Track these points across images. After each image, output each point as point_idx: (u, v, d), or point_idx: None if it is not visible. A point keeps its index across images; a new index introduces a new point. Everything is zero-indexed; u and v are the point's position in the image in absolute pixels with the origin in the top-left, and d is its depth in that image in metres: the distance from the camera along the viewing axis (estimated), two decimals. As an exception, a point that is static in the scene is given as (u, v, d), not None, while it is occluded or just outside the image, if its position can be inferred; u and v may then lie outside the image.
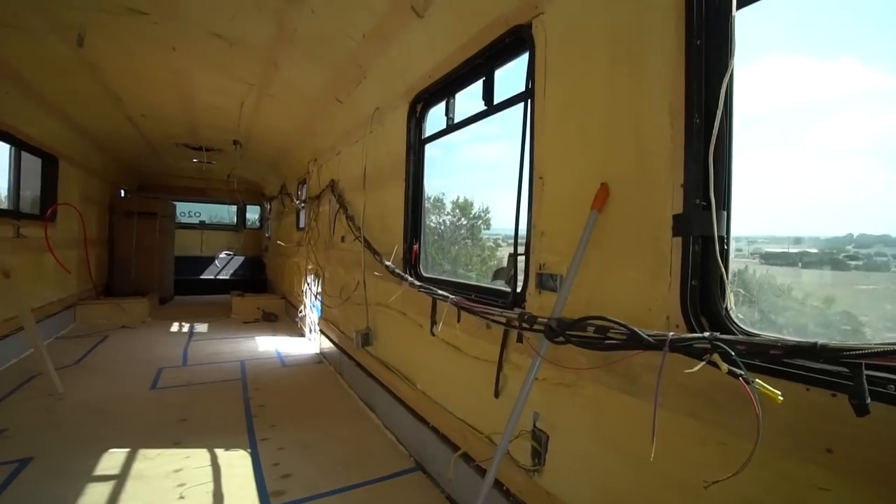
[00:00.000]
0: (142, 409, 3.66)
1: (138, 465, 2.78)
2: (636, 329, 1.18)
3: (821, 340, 0.88)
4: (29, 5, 3.19)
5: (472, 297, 2.37)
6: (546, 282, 1.87)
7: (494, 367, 2.20)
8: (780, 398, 0.93)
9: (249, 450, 3.05)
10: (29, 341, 4.23)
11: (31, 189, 5.56)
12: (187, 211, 11.18)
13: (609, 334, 1.26)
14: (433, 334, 2.45)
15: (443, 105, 2.95)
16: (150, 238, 8.36)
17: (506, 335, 2.09)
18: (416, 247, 3.13)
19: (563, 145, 1.86)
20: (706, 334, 1.05)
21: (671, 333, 1.12)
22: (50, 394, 3.84)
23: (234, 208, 11.65)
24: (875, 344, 0.82)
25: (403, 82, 3.22)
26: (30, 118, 4.92)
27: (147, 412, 3.62)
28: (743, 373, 0.98)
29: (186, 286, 10.11)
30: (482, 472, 2.27)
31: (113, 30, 3.55)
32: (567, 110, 1.84)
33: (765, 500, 1.16)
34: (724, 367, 1.00)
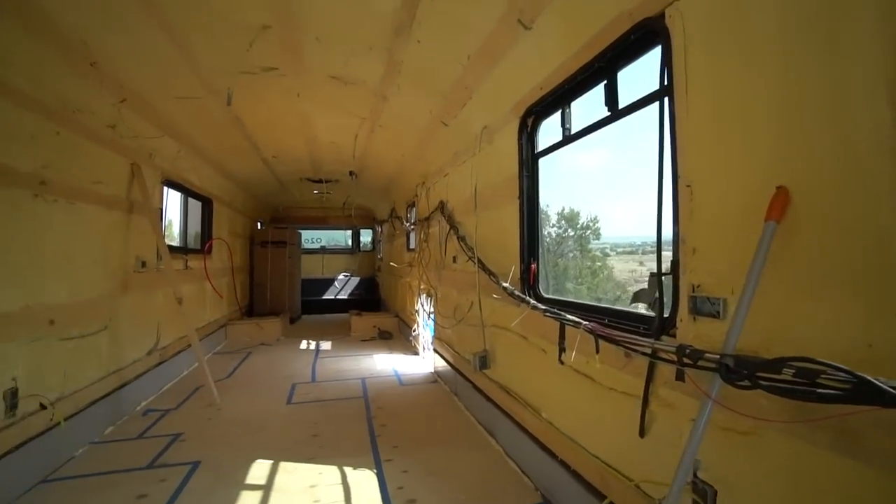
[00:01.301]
0: (281, 423, 4.00)
1: (280, 478, 3.00)
2: (868, 377, 0.90)
3: None
4: (195, 77, 3.79)
5: (606, 322, 2.14)
6: (703, 306, 1.59)
7: (635, 402, 1.94)
8: None
9: (375, 470, 3.12)
10: (195, 357, 4.93)
11: (193, 226, 6.61)
12: (310, 238, 12.40)
13: (820, 380, 0.98)
14: (561, 362, 2.27)
15: (557, 116, 2.79)
16: (281, 263, 9.39)
17: (652, 367, 1.83)
18: (534, 266, 2.98)
19: (716, 146, 1.59)
20: None
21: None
22: (210, 404, 4.40)
23: (349, 233, 12.63)
24: None
25: (512, 98, 3.13)
26: (194, 169, 5.86)
27: (285, 426, 3.94)
28: None
29: (311, 306, 11.16)
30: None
31: (252, 87, 4.06)
32: (719, 105, 1.58)
33: None
34: None
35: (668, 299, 1.81)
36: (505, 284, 2.95)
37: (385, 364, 6.09)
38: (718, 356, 1.22)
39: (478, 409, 3.90)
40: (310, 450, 3.44)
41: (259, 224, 10.54)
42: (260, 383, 5.27)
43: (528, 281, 2.99)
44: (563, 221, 10.52)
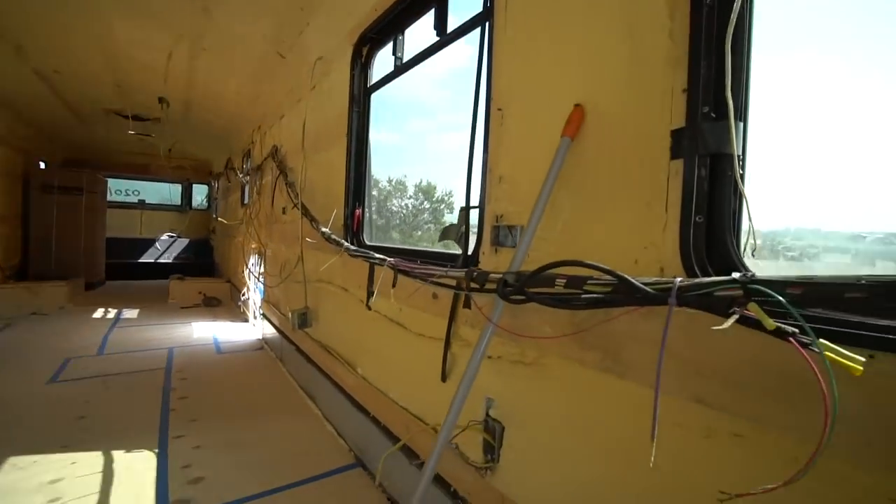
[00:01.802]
0: (29, 408, 3.07)
1: (7, 478, 2.25)
2: (627, 276, 0.83)
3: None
4: None
5: (418, 263, 1.98)
6: (503, 237, 1.50)
7: (440, 346, 1.83)
8: (861, 369, 0.59)
9: (157, 450, 2.56)
10: None
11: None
12: (124, 189, 10.19)
13: (587, 286, 0.90)
14: (369, 307, 2.05)
15: (391, 47, 2.52)
16: (75, 216, 7.47)
17: (455, 306, 1.72)
18: (358, 212, 2.70)
19: (529, 67, 1.48)
20: (736, 275, 0.70)
21: (678, 279, 0.77)
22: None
23: (179, 187, 10.73)
24: None
25: (347, 23, 2.76)
26: None
27: (35, 411, 3.03)
28: (802, 333, 0.63)
29: (121, 270, 9.21)
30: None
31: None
32: (535, 24, 1.47)
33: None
34: (771, 322, 0.65)
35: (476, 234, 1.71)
36: (324, 229, 2.62)
37: (205, 332, 5.25)
38: (501, 275, 1.10)
39: (299, 372, 3.54)
40: (66, 436, 2.67)
41: (42, 163, 8.21)
42: (12, 361, 4.03)
43: (352, 227, 2.70)
44: (420, 194, 10.53)
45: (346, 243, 2.27)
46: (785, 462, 0.85)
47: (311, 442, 2.75)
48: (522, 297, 0.98)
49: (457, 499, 1.73)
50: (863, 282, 0.57)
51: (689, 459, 1.00)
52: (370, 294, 2.14)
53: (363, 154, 2.72)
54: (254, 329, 5.39)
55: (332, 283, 2.89)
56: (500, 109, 1.54)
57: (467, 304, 1.31)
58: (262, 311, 4.96)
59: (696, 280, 0.75)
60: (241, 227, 6.15)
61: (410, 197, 10.08)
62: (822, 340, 0.62)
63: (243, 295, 5.57)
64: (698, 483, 0.97)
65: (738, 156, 0.94)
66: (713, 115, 0.97)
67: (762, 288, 0.66)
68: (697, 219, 0.99)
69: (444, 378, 1.81)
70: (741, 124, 0.95)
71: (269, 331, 4.66)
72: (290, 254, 3.79)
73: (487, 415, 1.59)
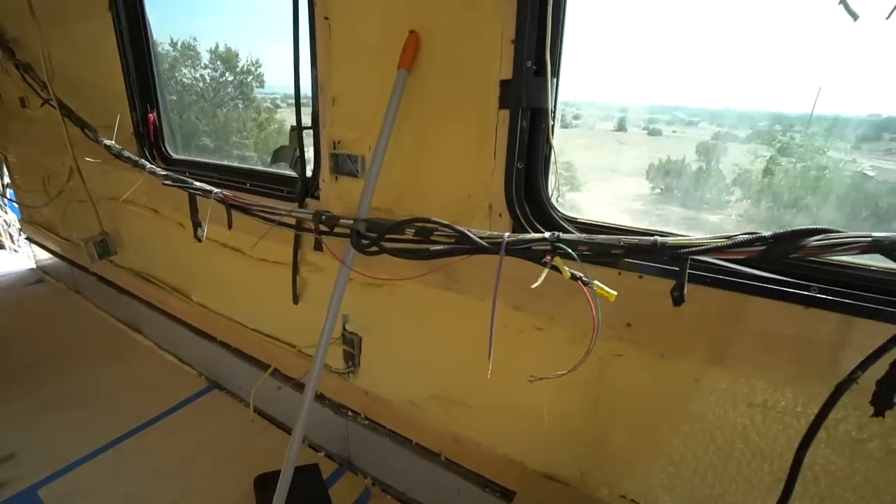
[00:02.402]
0: None
1: None
2: (467, 231, 0.96)
3: (659, 238, 0.79)
4: None
5: (248, 188, 1.81)
6: (344, 165, 1.46)
7: (286, 270, 1.82)
8: (615, 296, 0.86)
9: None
10: None
11: None
12: None
13: (434, 237, 1.01)
14: (198, 238, 1.85)
15: None
16: None
17: (298, 237, 1.68)
18: (152, 116, 2.19)
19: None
20: (547, 235, 0.89)
21: (507, 235, 0.93)
22: None
23: None
24: (705, 239, 0.77)
25: None
26: None
27: None
28: (585, 277, 0.87)
29: None
30: (289, 380, 2.03)
31: None
32: None
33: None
34: (567, 271, 0.87)
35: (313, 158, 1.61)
36: (108, 142, 2.08)
37: (-62, 270, 3.93)
38: (352, 221, 1.13)
39: (113, 305, 3.07)
40: None
41: None
42: None
43: (148, 136, 2.21)
44: (218, 62, 8.70)
45: (148, 164, 1.87)
46: (569, 345, 1.22)
47: (154, 376, 2.56)
48: (376, 251, 1.04)
49: (324, 400, 1.92)
50: (622, 243, 0.81)
51: (509, 350, 1.32)
52: (197, 225, 1.89)
53: (144, 36, 2.10)
54: (18, 257, 4.24)
55: (136, 205, 2.41)
56: (326, 18, 1.36)
57: (318, 248, 1.31)
58: (24, 235, 3.89)
59: (520, 236, 0.93)
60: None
61: (206, 66, 8.36)
62: (596, 282, 0.87)
63: (-15, 213, 4.18)
64: (517, 368, 1.31)
65: (551, 110, 1.09)
66: (535, 69, 1.07)
67: (564, 246, 0.86)
68: (519, 165, 1.14)
69: (295, 301, 1.84)
70: (555, 80, 1.08)
71: (44, 257, 3.74)
72: (55, 163, 2.93)
73: (345, 329, 1.73)
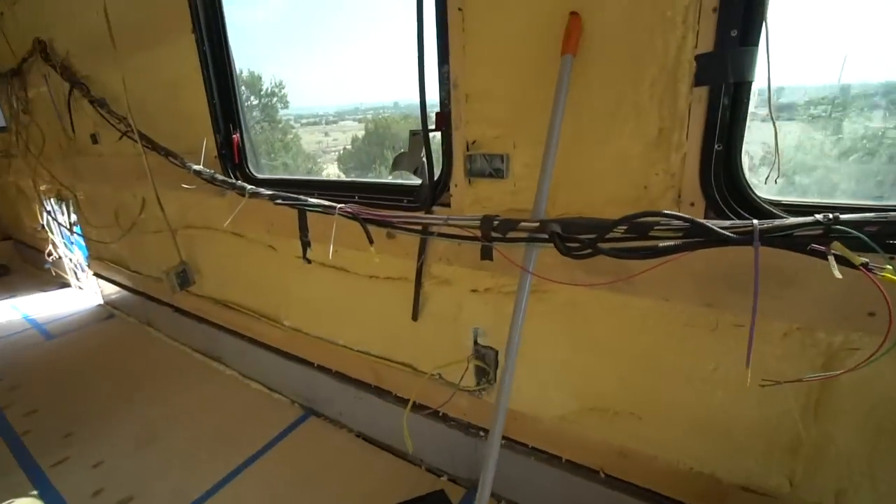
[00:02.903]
0: None
1: None
2: (703, 221, 0.83)
3: None
4: None
5: (356, 201, 1.71)
6: (481, 166, 1.36)
7: (402, 286, 1.72)
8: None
9: (36, 490, 2.00)
10: None
11: None
12: None
13: (653, 233, 0.89)
14: (308, 260, 1.76)
15: None
16: None
17: (423, 244, 1.58)
18: (236, 137, 2.14)
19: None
20: (819, 217, 0.76)
21: (757, 222, 0.80)
22: None
23: None
24: None
25: None
26: None
27: None
28: (875, 263, 0.73)
29: None
30: (402, 402, 1.92)
31: None
32: None
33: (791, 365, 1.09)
34: (858, 259, 0.73)
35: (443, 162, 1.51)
36: (197, 167, 2.02)
37: (8, 315, 3.96)
38: (536, 224, 1.01)
39: (190, 334, 3.02)
40: None
41: None
42: None
43: (233, 159, 2.15)
44: (243, 87, 8.78)
45: (242, 184, 1.80)
46: (781, 341, 1.07)
47: (245, 405, 2.49)
48: (589, 253, 0.92)
49: (449, 420, 1.80)
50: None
51: (697, 352, 1.19)
52: (307, 245, 1.81)
53: (224, 53, 2.05)
54: (84, 294, 4.26)
55: (218, 230, 2.35)
56: (460, 9, 1.27)
57: (488, 256, 1.20)
58: (91, 272, 3.89)
59: (776, 222, 0.79)
60: (5, 161, 4.39)
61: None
62: (889, 265, 0.74)
63: (49, 255, 4.22)
64: (704, 370, 1.16)
65: (751, 84, 0.96)
66: (740, 39, 0.94)
67: (846, 228, 0.73)
68: (718, 147, 1.02)
69: (415, 318, 1.73)
70: (765, 51, 0.95)
71: (111, 291, 3.74)
72: (126, 196, 2.91)
73: (477, 343, 1.62)
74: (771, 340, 1.10)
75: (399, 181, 1.69)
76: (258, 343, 2.52)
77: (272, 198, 1.68)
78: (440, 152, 1.47)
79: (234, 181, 1.86)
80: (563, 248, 0.94)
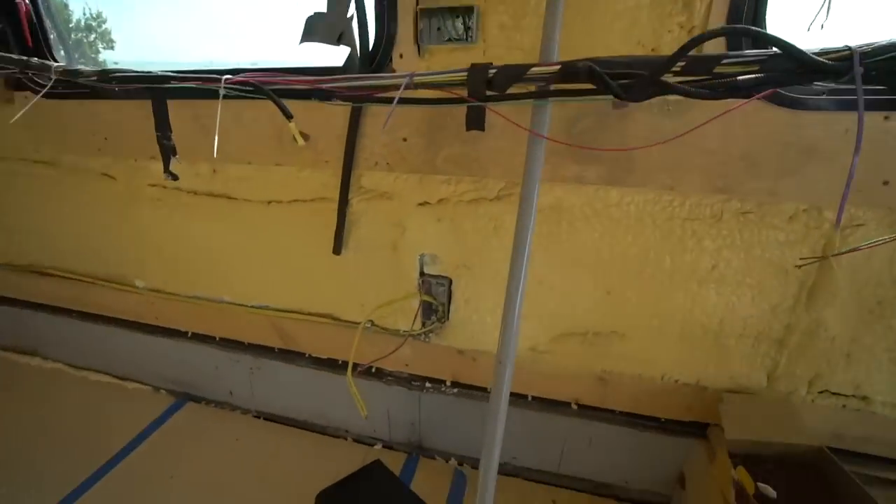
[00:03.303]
0: None
1: None
2: (793, 44, 0.62)
3: None
4: None
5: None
6: (439, 26, 1.00)
7: (318, 209, 1.30)
8: None
9: None
10: None
11: None
12: None
13: (721, 68, 0.66)
14: (172, 175, 1.19)
15: None
16: None
17: (353, 140, 1.17)
18: (23, 2, 1.39)
19: None
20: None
21: (856, 45, 0.62)
22: None
23: None
24: None
25: None
26: None
27: None
28: None
29: None
30: (319, 363, 1.53)
31: None
32: None
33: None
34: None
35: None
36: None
37: None
38: (557, 67, 0.71)
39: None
40: None
41: None
42: None
43: (22, 41, 1.40)
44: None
45: (52, 64, 1.13)
46: (789, 225, 0.98)
47: (79, 409, 1.78)
48: (647, 91, 0.65)
49: (384, 376, 1.47)
50: None
51: (694, 249, 1.05)
52: (168, 154, 1.22)
53: None
54: None
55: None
56: None
57: (477, 125, 0.84)
58: None
59: (877, 44, 0.63)
60: None
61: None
62: None
63: None
64: (700, 270, 1.04)
65: None
66: None
67: None
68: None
69: (337, 250, 1.33)
70: None
71: None
72: None
73: (424, 274, 1.29)
74: (776, 225, 1.00)
75: (312, 64, 1.22)
76: (97, 318, 1.82)
77: (102, 80, 1.08)
78: (375, 11, 1.07)
79: (26, 59, 1.17)
80: (614, 87, 0.66)
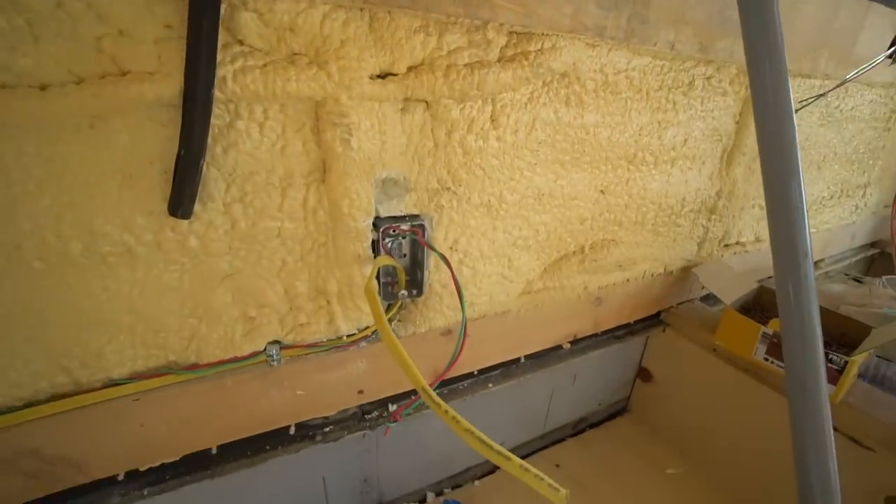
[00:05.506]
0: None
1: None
2: None
3: None
4: None
5: None
6: None
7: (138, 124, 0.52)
8: None
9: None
10: None
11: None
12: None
13: None
14: None
15: None
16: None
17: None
18: None
19: None
20: None
21: None
22: None
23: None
24: None
25: None
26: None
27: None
28: None
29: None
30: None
31: None
32: None
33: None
34: None
35: None
36: None
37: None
38: None
39: None
40: None
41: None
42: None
43: None
44: None
45: None
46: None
47: None
48: None
49: (322, 431, 0.80)
50: None
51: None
52: None
53: None
54: None
55: None
56: None
57: None
58: None
59: None
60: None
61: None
62: None
63: None
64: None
65: None
66: None
67: None
68: None
69: (183, 207, 0.57)
70: None
71: None
72: None
73: (379, 219, 0.73)
74: (725, 89, 1.02)
75: None
76: None
77: None
78: None
79: None
80: None
